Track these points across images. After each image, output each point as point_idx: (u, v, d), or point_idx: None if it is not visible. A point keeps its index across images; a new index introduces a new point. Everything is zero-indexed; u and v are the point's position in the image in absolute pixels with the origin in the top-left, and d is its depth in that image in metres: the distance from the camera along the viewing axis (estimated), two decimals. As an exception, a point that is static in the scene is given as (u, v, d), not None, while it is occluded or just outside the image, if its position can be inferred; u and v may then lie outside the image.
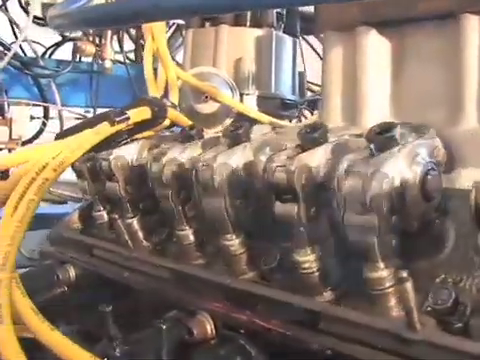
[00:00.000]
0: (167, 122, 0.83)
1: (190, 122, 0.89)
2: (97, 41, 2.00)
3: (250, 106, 1.13)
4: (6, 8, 1.90)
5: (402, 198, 0.59)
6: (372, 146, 0.61)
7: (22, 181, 0.64)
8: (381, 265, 0.60)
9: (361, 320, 0.57)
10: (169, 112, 0.83)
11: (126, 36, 2.10)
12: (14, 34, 2.00)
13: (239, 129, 0.76)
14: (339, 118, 0.97)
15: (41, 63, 1.92)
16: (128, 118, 0.76)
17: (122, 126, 0.76)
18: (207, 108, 1.03)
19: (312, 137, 0.66)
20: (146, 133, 0.88)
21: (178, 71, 1.04)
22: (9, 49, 1.77)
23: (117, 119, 0.75)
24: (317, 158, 0.64)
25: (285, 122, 1.14)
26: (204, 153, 0.78)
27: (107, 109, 1.61)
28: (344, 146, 0.66)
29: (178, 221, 0.82)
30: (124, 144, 0.89)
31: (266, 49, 1.18)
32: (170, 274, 0.78)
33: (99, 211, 0.98)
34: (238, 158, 0.73)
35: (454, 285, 0.60)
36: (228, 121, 1.08)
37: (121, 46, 2.04)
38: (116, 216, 0.92)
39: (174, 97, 1.01)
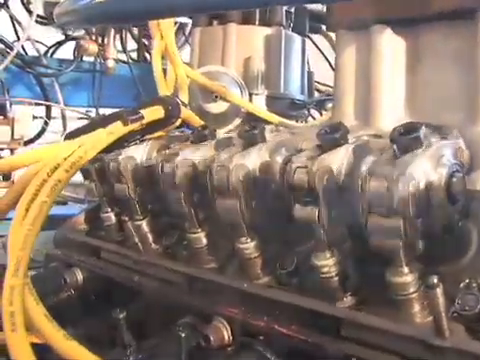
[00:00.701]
0: (178, 122, 0.81)
1: (202, 122, 0.87)
2: (100, 40, 1.98)
3: (259, 106, 1.11)
4: (8, 6, 1.87)
5: (427, 201, 0.57)
6: (395, 147, 0.59)
7: (33, 182, 0.62)
8: (405, 270, 0.58)
9: (385, 326, 0.56)
10: (185, 111, 0.81)
11: (129, 35, 2.08)
12: (16, 33, 1.98)
13: (254, 129, 0.74)
14: (352, 118, 0.95)
15: (44, 62, 1.90)
16: (142, 117, 0.74)
17: (136, 126, 0.74)
18: (216, 108, 1.01)
19: (332, 138, 0.65)
20: (156, 133, 0.86)
21: (187, 70, 1.03)
22: (11, 48, 1.75)
23: (130, 118, 0.73)
24: (339, 159, 0.62)
25: (293, 122, 1.13)
26: (218, 154, 0.76)
27: (110, 109, 1.59)
28: (365, 147, 0.64)
29: (190, 224, 0.80)
30: (134, 144, 0.86)
31: (275, 48, 1.16)
32: (182, 278, 0.76)
33: (107, 212, 0.96)
34: (254, 159, 0.71)
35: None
36: (237, 121, 1.06)
37: (124, 45, 2.02)
38: (125, 218, 0.90)
39: (184, 96, 0.99)
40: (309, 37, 1.70)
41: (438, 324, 0.51)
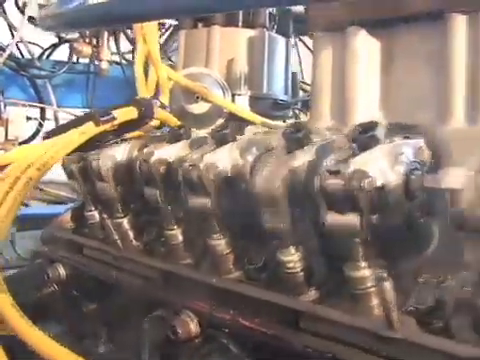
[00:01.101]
0: (157, 122, 0.83)
1: (179, 122, 0.89)
2: (94, 42, 2.01)
3: (242, 106, 1.13)
4: (4, 10, 1.90)
5: (384, 198, 0.59)
6: (354, 145, 0.62)
7: (6, 180, 0.65)
8: (363, 264, 0.60)
9: (340, 319, 0.58)
10: (158, 112, 0.83)
11: (123, 37, 2.10)
12: (12, 35, 2.00)
13: (225, 129, 0.76)
14: (329, 118, 0.97)
15: (37, 64, 1.93)
16: (114, 118, 0.77)
17: (108, 126, 0.77)
18: (198, 108, 1.04)
19: (296, 137, 0.67)
20: (136, 133, 0.89)
21: (169, 72, 1.05)
22: (4, 50, 1.78)
23: (102, 119, 0.75)
24: (302, 160, 0.64)
25: (278, 122, 1.14)
26: (191, 153, 0.79)
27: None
28: (328, 146, 0.66)
29: (166, 221, 0.83)
30: (109, 144, 0.89)
31: (258, 49, 1.18)
32: (157, 273, 0.78)
33: (90, 211, 0.98)
34: (225, 158, 0.73)
35: (437, 285, 0.60)
36: (220, 121, 1.09)
37: (118, 47, 2.04)
38: (105, 216, 0.92)
39: (165, 98, 1.01)
40: (301, 39, 1.73)
41: (388, 316, 0.53)
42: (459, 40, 0.82)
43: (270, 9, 1.20)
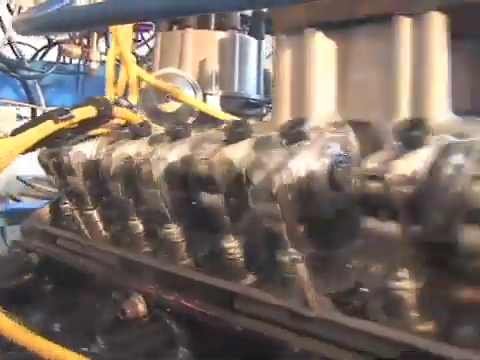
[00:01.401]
0: (121, 120, 0.89)
1: (140, 120, 0.95)
2: (85, 43, 2.07)
3: (213, 105, 1.18)
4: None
5: (308, 188, 0.64)
6: (284, 141, 0.67)
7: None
8: (292, 250, 0.65)
9: (267, 300, 0.63)
10: (121, 111, 0.89)
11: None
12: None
13: (179, 126, 0.82)
14: (288, 116, 1.02)
15: (27, 65, 2.00)
16: (72, 116, 0.82)
17: (66, 124, 0.82)
18: (169, 107, 1.09)
19: (237, 132, 0.72)
20: (106, 130, 0.95)
21: (141, 72, 1.10)
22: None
23: (60, 117, 0.81)
24: (239, 152, 0.70)
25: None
26: (148, 149, 0.84)
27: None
28: (267, 140, 0.71)
29: (128, 212, 0.89)
30: (85, 141, 0.95)
31: (229, 51, 1.23)
32: (116, 260, 0.84)
33: (65, 204, 1.05)
34: (176, 153, 0.78)
35: (359, 270, 0.64)
36: (191, 119, 1.14)
37: (108, 47, 2.10)
38: (75, 207, 0.98)
39: (133, 97, 1.07)
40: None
41: (303, 296, 0.58)
42: (404, 40, 0.87)
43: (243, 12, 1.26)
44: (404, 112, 0.88)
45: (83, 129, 0.86)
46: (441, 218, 0.49)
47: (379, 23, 0.91)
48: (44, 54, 2.21)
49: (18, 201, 1.68)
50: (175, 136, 0.81)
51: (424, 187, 0.51)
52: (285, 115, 1.04)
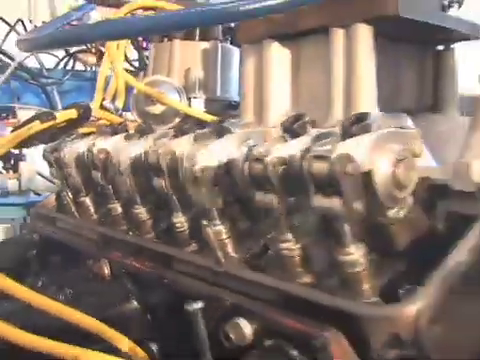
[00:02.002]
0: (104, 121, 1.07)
1: (119, 120, 1.13)
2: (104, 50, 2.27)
3: (197, 107, 1.35)
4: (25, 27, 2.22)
5: (227, 173, 0.79)
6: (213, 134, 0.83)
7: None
8: (217, 222, 0.81)
9: (194, 260, 0.79)
10: (104, 113, 1.06)
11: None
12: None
13: (145, 124, 0.99)
14: (251, 115, 1.18)
15: (45, 73, 2.24)
16: (54, 118, 1.01)
17: (50, 123, 1.01)
18: (155, 110, 1.26)
19: (182, 129, 0.89)
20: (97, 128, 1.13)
21: (130, 79, 1.28)
22: (13, 60, 2.10)
23: (45, 118, 1.00)
24: (181, 144, 0.86)
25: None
26: (123, 143, 1.02)
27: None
28: (203, 135, 0.87)
29: (108, 197, 1.07)
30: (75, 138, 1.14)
31: (212, 59, 1.39)
32: (98, 236, 1.02)
33: (66, 193, 1.24)
34: (139, 147, 0.96)
35: (271, 239, 0.78)
36: (177, 120, 1.31)
37: (125, 54, 2.29)
38: (71, 195, 1.17)
39: (120, 101, 1.25)
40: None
41: (214, 255, 0.74)
42: (337, 49, 1.01)
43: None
44: (338, 110, 1.02)
45: (69, 128, 1.04)
46: (303, 189, 0.64)
47: (321, 34, 1.06)
48: (66, 63, 2.44)
49: (39, 195, 1.90)
50: (141, 133, 0.99)
51: (293, 166, 0.66)
52: (249, 113, 1.20)
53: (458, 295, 0.57)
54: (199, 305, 0.59)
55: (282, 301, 0.64)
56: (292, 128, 0.69)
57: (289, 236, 0.70)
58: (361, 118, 0.63)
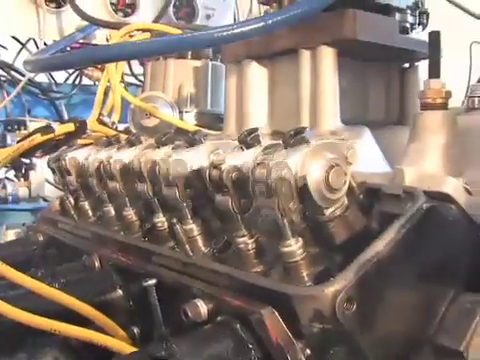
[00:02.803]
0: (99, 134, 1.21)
1: (113, 133, 1.26)
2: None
3: (188, 120, 1.48)
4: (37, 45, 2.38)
5: (199, 178, 0.91)
6: (186, 144, 0.96)
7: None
8: (190, 221, 0.93)
9: (169, 254, 0.92)
10: (99, 127, 1.20)
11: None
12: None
13: (134, 137, 1.12)
14: (234, 128, 1.30)
15: (54, 88, 2.40)
16: (53, 131, 1.15)
17: (50, 136, 1.15)
18: (150, 123, 1.40)
19: (162, 141, 1.02)
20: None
21: (126, 95, 1.42)
22: (24, 75, 2.27)
23: (45, 131, 1.14)
24: (161, 153, 0.99)
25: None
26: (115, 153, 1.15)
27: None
28: (179, 146, 1.00)
29: (102, 200, 1.20)
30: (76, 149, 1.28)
31: (203, 76, 1.53)
32: (92, 235, 1.15)
33: (68, 198, 1.38)
34: (128, 155, 1.09)
35: (234, 237, 0.90)
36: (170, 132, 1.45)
37: (130, 69, 2.44)
38: (71, 199, 1.31)
39: (116, 115, 1.39)
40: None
41: (183, 248, 0.87)
42: (305, 68, 1.13)
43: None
44: (305, 122, 1.14)
45: (68, 140, 1.18)
46: (249, 193, 0.77)
47: (292, 55, 1.18)
48: (76, 77, 2.61)
49: (47, 201, 2.05)
50: (131, 143, 1.12)
51: (243, 173, 0.78)
52: (232, 127, 1.32)
53: (371, 279, 0.68)
54: (153, 282, 0.71)
55: (233, 286, 0.76)
56: (246, 140, 0.81)
57: (244, 232, 0.82)
58: (299, 132, 0.75)
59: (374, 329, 0.69)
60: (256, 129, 0.83)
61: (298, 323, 0.67)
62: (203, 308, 0.74)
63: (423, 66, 1.32)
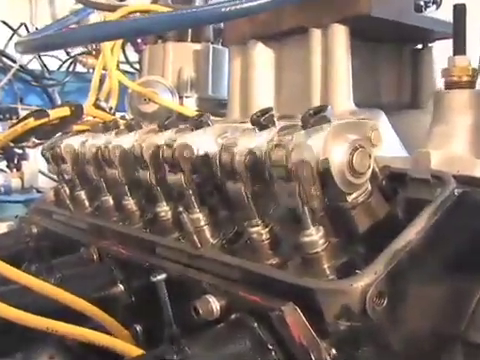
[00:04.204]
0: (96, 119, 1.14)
1: (111, 118, 1.19)
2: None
3: (189, 106, 1.41)
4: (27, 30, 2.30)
5: (207, 163, 0.85)
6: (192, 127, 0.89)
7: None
8: (196, 210, 0.87)
9: (175, 245, 0.85)
10: (96, 112, 1.13)
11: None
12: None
13: (132, 121, 1.05)
14: (238, 112, 1.24)
15: (47, 75, 2.32)
16: (48, 115, 1.07)
17: (44, 120, 1.07)
18: (148, 108, 1.33)
19: (165, 124, 0.95)
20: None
21: (124, 79, 1.35)
22: (15, 62, 2.18)
23: (38, 116, 1.06)
24: (164, 137, 0.92)
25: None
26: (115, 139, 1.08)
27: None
28: (184, 130, 0.93)
29: (101, 190, 1.13)
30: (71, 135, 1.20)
31: (204, 60, 1.46)
32: (90, 227, 1.08)
33: (63, 188, 1.30)
34: (128, 140, 1.01)
35: (246, 226, 0.83)
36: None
37: (126, 57, 2.36)
38: (66, 189, 1.24)
39: (114, 101, 1.32)
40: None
41: (190, 239, 0.80)
42: (316, 48, 1.07)
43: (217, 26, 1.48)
44: (316, 105, 1.07)
45: (63, 126, 1.11)
46: (267, 177, 0.70)
47: (301, 34, 1.11)
48: (70, 65, 2.52)
49: (41, 192, 1.97)
50: (130, 129, 1.05)
51: (257, 156, 0.71)
52: (236, 112, 1.26)
53: (403, 272, 0.62)
54: (163, 276, 0.64)
55: (247, 279, 0.69)
56: (259, 121, 0.74)
57: (258, 221, 0.75)
58: (319, 110, 0.68)
59: (405, 325, 0.63)
60: (270, 109, 0.76)
61: (323, 320, 0.61)
62: (215, 304, 0.68)
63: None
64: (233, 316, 0.66)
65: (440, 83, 1.29)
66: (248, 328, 0.63)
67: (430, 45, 1.24)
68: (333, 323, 0.60)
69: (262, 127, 0.75)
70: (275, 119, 0.76)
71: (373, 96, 1.17)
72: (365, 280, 0.60)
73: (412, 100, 1.24)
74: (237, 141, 0.73)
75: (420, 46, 1.25)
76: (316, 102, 1.07)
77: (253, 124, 0.76)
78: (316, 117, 0.68)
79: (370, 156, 0.69)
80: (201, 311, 0.67)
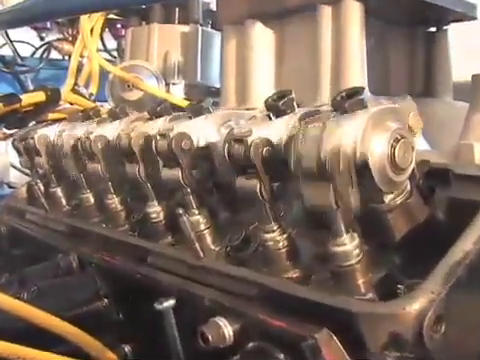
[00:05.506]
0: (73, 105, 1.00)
1: (91, 105, 1.05)
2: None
3: (177, 94, 1.28)
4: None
5: (208, 155, 0.72)
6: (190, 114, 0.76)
7: None
8: (195, 211, 0.74)
9: (170, 253, 0.72)
10: (75, 98, 0.99)
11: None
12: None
13: (117, 108, 0.92)
14: (233, 98, 1.10)
15: (19, 62, 2.15)
16: (19, 100, 0.93)
17: (15, 106, 0.93)
18: (132, 96, 1.19)
19: (157, 111, 0.81)
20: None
21: (105, 64, 1.21)
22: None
23: (9, 101, 0.92)
24: (156, 126, 0.79)
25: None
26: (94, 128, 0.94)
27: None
28: (177, 117, 0.80)
29: (80, 185, 0.99)
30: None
31: (192, 43, 1.32)
32: (66, 228, 0.94)
33: (36, 183, 1.16)
34: (111, 130, 0.88)
35: (254, 230, 0.71)
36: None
37: (104, 44, 2.21)
38: (40, 185, 1.09)
39: (94, 86, 1.18)
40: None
41: (192, 247, 0.67)
42: (326, 27, 0.94)
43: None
44: (326, 90, 0.96)
45: (38, 112, 0.96)
46: (290, 174, 0.58)
47: (307, 12, 0.99)
48: (44, 51, 2.35)
49: (13, 188, 1.81)
50: (114, 117, 0.91)
51: (278, 148, 0.59)
52: (231, 99, 1.12)
53: (465, 290, 0.50)
54: (170, 303, 0.52)
55: (266, 298, 0.57)
56: (277, 106, 0.62)
57: (274, 226, 0.63)
58: (353, 93, 0.56)
59: (463, 354, 0.52)
60: (289, 91, 0.64)
61: (365, 351, 0.49)
62: (227, 329, 0.55)
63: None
64: (251, 345, 0.54)
65: (455, 70, 1.20)
66: (272, 360, 0.51)
67: (445, 28, 1.13)
68: (379, 354, 0.49)
69: (280, 113, 0.62)
70: (295, 103, 0.63)
71: (382, 83, 1.05)
72: (421, 302, 0.48)
73: (425, 88, 1.13)
74: (252, 130, 0.61)
75: (434, 29, 1.13)
76: (325, 89, 0.95)
77: (269, 109, 0.63)
78: (350, 101, 0.55)
79: (413, 148, 0.58)
80: (211, 338, 0.54)
